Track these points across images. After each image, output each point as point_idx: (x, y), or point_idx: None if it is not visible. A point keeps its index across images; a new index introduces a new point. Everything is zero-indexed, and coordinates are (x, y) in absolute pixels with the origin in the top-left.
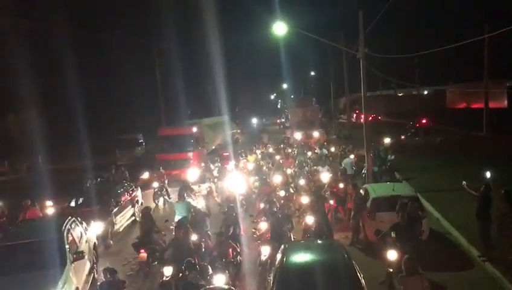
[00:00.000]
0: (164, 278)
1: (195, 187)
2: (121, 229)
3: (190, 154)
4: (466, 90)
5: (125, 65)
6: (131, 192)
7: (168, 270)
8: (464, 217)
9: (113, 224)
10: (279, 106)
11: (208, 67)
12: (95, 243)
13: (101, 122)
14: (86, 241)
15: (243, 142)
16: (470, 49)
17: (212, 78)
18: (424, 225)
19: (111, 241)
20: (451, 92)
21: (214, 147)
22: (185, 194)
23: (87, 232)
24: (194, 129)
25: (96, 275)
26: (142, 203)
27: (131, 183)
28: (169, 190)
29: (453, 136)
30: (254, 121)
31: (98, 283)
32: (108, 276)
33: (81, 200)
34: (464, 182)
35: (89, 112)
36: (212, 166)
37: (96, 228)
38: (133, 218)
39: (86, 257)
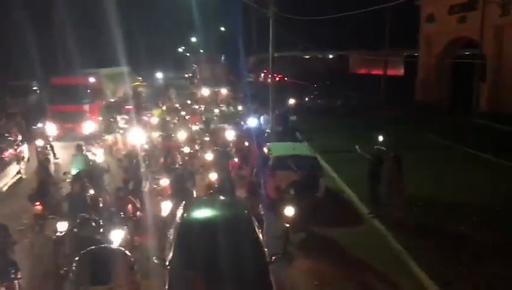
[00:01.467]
0: (58, 234)
1: (99, 139)
2: (5, 188)
3: (86, 106)
4: (367, 57)
5: (20, 7)
6: (16, 147)
7: (62, 226)
8: (357, 177)
9: None
10: (186, 60)
11: (106, 15)
12: None
13: None
14: None
15: (147, 95)
16: (373, 17)
17: (112, 26)
18: (320, 183)
19: None
20: (354, 58)
21: (113, 100)
22: (83, 147)
23: None
24: (91, 79)
25: None
26: (28, 159)
27: (15, 137)
28: (55, 147)
29: (352, 100)
30: (159, 74)
31: None
32: None
33: None
34: (357, 146)
35: None
36: (118, 118)
37: None
38: (19, 176)
39: None
